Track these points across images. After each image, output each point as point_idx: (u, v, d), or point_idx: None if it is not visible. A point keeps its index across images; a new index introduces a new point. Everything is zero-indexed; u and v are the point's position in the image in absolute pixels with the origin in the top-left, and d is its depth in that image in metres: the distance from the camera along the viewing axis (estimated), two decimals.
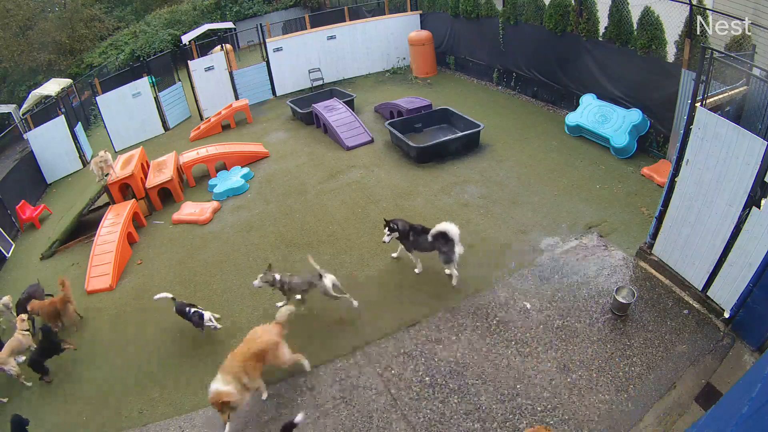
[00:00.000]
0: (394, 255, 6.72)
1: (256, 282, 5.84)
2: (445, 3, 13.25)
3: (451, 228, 5.75)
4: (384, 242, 6.16)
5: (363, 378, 5.17)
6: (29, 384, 5.82)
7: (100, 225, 8.26)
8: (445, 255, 5.96)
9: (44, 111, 13.34)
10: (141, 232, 8.71)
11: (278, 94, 14.30)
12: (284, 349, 4.96)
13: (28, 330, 6.11)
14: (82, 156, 13.03)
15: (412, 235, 6.10)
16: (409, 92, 12.44)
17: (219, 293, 6.73)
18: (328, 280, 5.73)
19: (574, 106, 9.44)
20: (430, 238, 5.90)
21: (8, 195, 10.25)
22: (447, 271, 6.25)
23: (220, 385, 4.53)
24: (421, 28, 14.35)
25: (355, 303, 5.96)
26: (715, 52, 4.79)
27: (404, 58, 14.78)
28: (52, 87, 14.73)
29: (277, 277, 5.83)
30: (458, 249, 5.91)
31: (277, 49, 13.78)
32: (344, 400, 4.98)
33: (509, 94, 11.76)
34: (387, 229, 6.08)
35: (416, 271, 6.43)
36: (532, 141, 9.34)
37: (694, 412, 4.34)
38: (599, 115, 8.69)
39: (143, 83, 13.20)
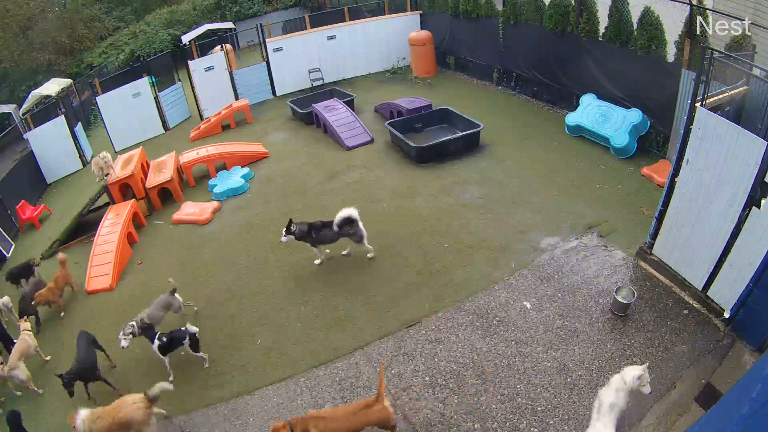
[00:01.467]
0: (317, 262, 6.88)
1: (124, 343, 5.47)
2: (445, 3, 13.25)
3: (353, 211, 6.39)
4: (281, 241, 6.58)
5: (363, 378, 5.17)
6: (41, 391, 5.72)
7: (100, 225, 8.27)
8: (356, 236, 6.57)
9: (44, 111, 13.34)
10: (141, 232, 8.71)
11: (278, 94, 14.30)
12: (152, 427, 4.69)
13: (31, 330, 6.10)
14: (82, 156, 13.03)
15: (314, 233, 6.51)
16: (409, 92, 12.43)
17: (219, 293, 6.73)
18: (177, 297, 6.11)
19: (574, 106, 9.44)
20: (336, 228, 6.42)
21: (8, 195, 10.25)
22: (369, 255, 6.78)
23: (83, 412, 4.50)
24: (421, 28, 14.35)
25: (195, 308, 6.46)
26: (715, 52, 4.79)
27: (404, 58, 14.77)
28: (52, 87, 14.72)
29: (134, 324, 5.60)
30: (362, 227, 6.55)
31: (277, 49, 13.78)
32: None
33: (509, 94, 11.76)
34: (285, 230, 6.46)
35: (316, 262, 6.86)
36: (532, 141, 9.34)
37: (694, 412, 4.34)
38: (599, 115, 8.69)
39: (143, 83, 13.20)
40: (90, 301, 7.18)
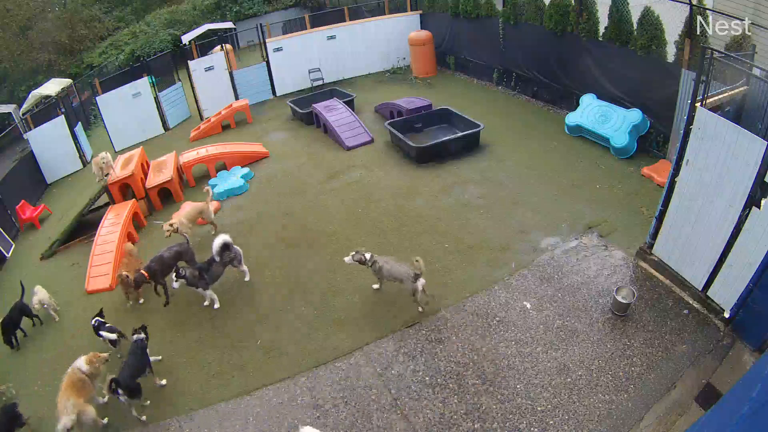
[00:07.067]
0: (206, 303, 6.56)
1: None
2: (445, 3, 13.25)
3: (226, 237, 6.45)
4: (174, 287, 6.27)
5: (363, 378, 5.17)
6: None
7: (100, 225, 8.25)
8: (235, 260, 6.63)
9: (44, 111, 13.32)
10: (141, 232, 8.71)
11: (278, 94, 14.28)
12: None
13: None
14: (82, 156, 13.01)
15: (206, 274, 6.32)
16: (409, 92, 12.43)
17: (219, 293, 6.71)
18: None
19: (574, 106, 9.44)
20: (217, 258, 6.36)
21: (8, 195, 10.24)
22: (246, 279, 6.79)
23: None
24: (421, 28, 14.34)
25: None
26: (715, 52, 4.79)
27: (404, 58, 14.77)
28: (52, 87, 14.70)
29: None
30: (237, 248, 6.68)
31: (277, 49, 13.78)
32: (344, 400, 4.98)
33: (509, 94, 11.75)
34: (175, 275, 6.21)
35: (214, 306, 6.46)
36: (532, 141, 9.33)
37: (694, 412, 4.35)
38: (599, 115, 8.69)
39: (143, 83, 13.18)
40: (90, 301, 7.17)
